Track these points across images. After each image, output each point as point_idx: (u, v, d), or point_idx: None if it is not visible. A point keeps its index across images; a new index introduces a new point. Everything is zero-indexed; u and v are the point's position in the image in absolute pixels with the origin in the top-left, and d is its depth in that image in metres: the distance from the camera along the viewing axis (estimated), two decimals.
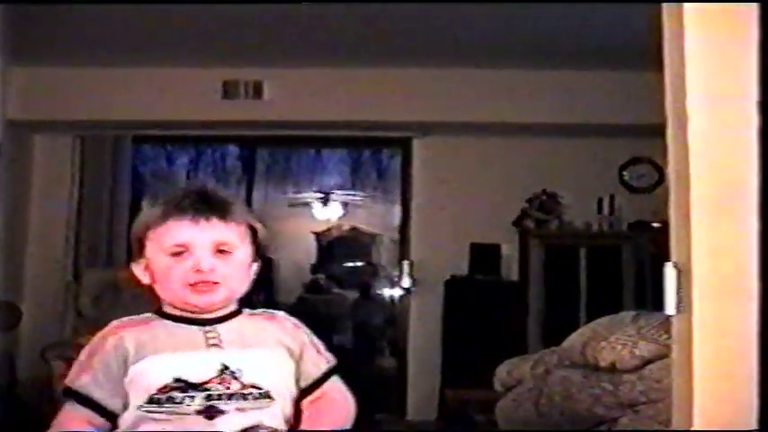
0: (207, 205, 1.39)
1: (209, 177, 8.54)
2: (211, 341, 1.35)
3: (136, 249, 1.43)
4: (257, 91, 5.26)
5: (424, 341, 5.37)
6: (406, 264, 5.56)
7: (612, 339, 1.58)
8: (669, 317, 1.34)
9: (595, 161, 5.34)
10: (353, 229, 9.50)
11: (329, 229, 9.51)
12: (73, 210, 5.45)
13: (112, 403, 1.30)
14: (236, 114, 5.29)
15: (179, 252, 1.36)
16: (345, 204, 9.39)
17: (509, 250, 5.40)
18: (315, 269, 9.31)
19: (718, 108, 1.27)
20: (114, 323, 1.39)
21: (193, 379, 1.29)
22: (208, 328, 1.36)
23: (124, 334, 1.35)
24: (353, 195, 9.20)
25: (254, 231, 1.44)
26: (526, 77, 5.12)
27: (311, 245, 9.51)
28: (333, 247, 9.50)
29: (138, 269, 1.42)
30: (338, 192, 9.24)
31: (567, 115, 5.12)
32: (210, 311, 1.38)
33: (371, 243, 9.44)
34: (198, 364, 1.31)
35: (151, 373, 1.30)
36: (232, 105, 5.26)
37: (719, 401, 1.22)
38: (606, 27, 4.28)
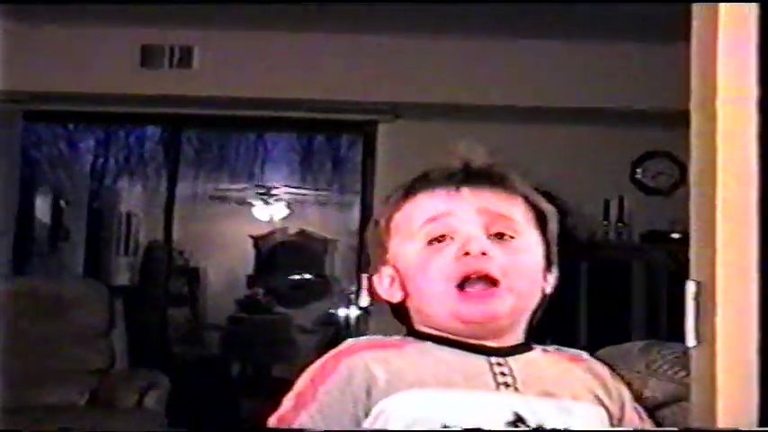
0: (471, 172, 1.21)
1: (123, 165, 8.47)
2: (502, 378, 1.13)
3: (376, 254, 1.24)
4: (185, 58, 5.23)
5: None
6: (365, 277, 5.55)
7: None
8: (688, 349, 1.34)
9: (602, 155, 5.38)
10: (301, 232, 9.52)
11: (271, 233, 9.52)
12: None
13: None
14: (158, 87, 5.25)
15: (439, 237, 1.16)
16: (292, 202, 9.39)
17: None
18: (252, 282, 9.30)
19: (751, 97, 1.28)
20: (351, 341, 1.19)
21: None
22: (496, 359, 1.15)
23: (368, 356, 1.14)
24: (302, 191, 9.19)
25: (541, 216, 1.22)
26: (517, 50, 5.15)
27: (248, 252, 9.51)
28: (275, 254, 9.50)
29: (381, 282, 1.23)
30: (283, 186, 9.23)
31: (567, 97, 5.15)
32: (496, 333, 1.16)
33: (323, 251, 9.45)
34: (481, 408, 1.10)
35: (409, 412, 1.07)
36: (153, 76, 5.23)
37: None
38: None
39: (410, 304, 1.20)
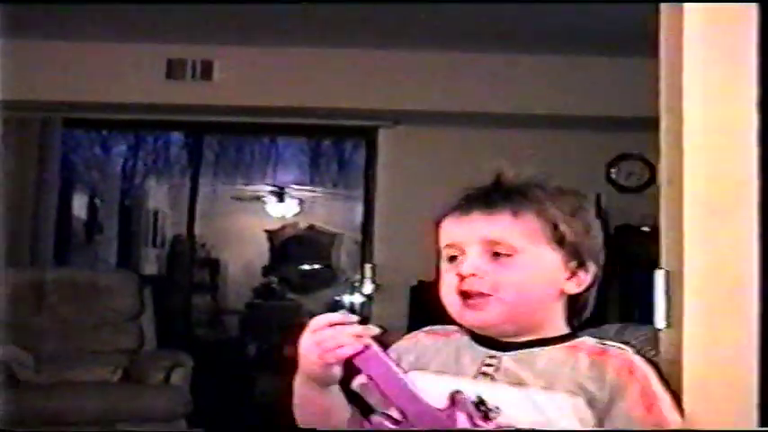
0: (484, 195, 1.30)
1: (151, 167, 8.47)
2: (484, 369, 1.25)
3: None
4: (206, 71, 5.22)
5: None
6: (368, 267, 5.56)
7: None
8: (658, 330, 1.34)
9: (580, 156, 5.36)
10: (311, 227, 9.50)
11: (284, 228, 9.50)
12: None
13: None
14: (182, 97, 5.24)
15: (453, 256, 1.29)
16: (302, 200, 9.38)
17: None
18: (267, 271, 9.29)
19: (716, 104, 1.28)
20: (427, 327, 1.38)
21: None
22: (492, 352, 1.26)
23: (421, 337, 1.36)
24: (311, 190, 9.19)
25: (556, 227, 1.29)
26: (505, 63, 5.14)
27: (263, 244, 9.50)
28: (287, 247, 9.49)
29: None
30: (294, 186, 9.22)
31: (550, 106, 5.15)
32: (509, 333, 1.26)
33: (330, 244, 9.44)
34: (455, 388, 1.21)
35: None
36: (177, 87, 5.22)
37: (710, 422, 1.23)
38: (594, 9, 4.31)
39: None
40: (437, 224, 1.33)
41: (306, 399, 1.32)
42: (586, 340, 1.28)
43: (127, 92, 5.20)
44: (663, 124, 1.36)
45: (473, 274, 1.24)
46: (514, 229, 1.26)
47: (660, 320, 1.31)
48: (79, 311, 4.99)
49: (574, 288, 1.31)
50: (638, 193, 5.39)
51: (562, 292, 1.30)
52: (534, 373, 1.22)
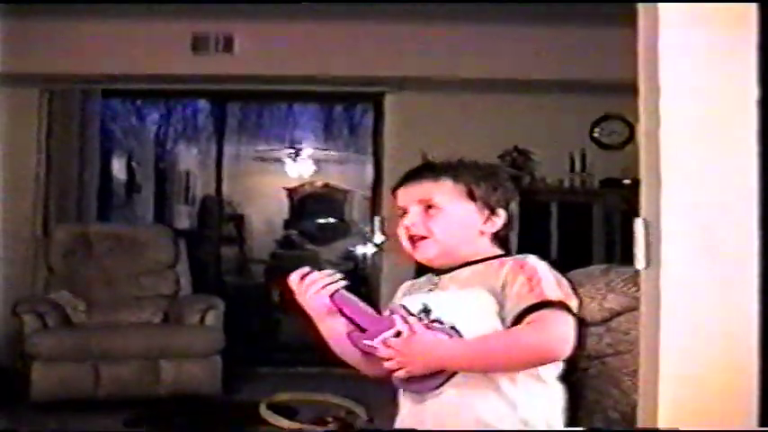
0: (419, 170, 1.65)
1: (181, 133, 8.46)
2: (430, 286, 1.61)
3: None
4: (228, 45, 5.20)
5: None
6: (377, 220, 5.58)
7: (582, 292, 1.60)
8: (638, 270, 1.36)
9: (567, 117, 5.36)
10: (326, 185, 9.50)
11: (302, 185, 9.51)
12: (41, 165, 5.38)
13: None
14: (207, 68, 5.23)
15: (403, 214, 1.62)
16: (318, 160, 9.37)
17: None
18: (287, 225, 9.32)
19: (690, 70, 1.28)
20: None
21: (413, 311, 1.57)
22: (437, 276, 1.62)
23: (418, 279, 1.71)
24: (326, 151, 9.18)
25: (468, 188, 1.60)
26: (499, 33, 5.10)
27: (284, 201, 9.52)
28: (305, 203, 9.50)
29: None
30: (310, 148, 9.21)
31: (539, 71, 5.12)
32: (435, 265, 1.61)
33: (344, 199, 9.45)
34: (415, 302, 1.59)
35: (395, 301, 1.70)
36: (202, 59, 5.20)
37: (684, 353, 1.25)
38: None
39: None
40: (393, 194, 1.65)
41: (328, 331, 1.64)
42: (508, 258, 1.58)
43: (157, 65, 5.19)
44: (641, 87, 1.36)
45: (413, 224, 1.59)
46: (437, 191, 1.59)
47: (640, 262, 1.33)
48: (122, 261, 5.04)
49: (490, 228, 1.62)
50: (619, 149, 5.39)
51: (482, 232, 1.61)
52: (458, 282, 1.56)
